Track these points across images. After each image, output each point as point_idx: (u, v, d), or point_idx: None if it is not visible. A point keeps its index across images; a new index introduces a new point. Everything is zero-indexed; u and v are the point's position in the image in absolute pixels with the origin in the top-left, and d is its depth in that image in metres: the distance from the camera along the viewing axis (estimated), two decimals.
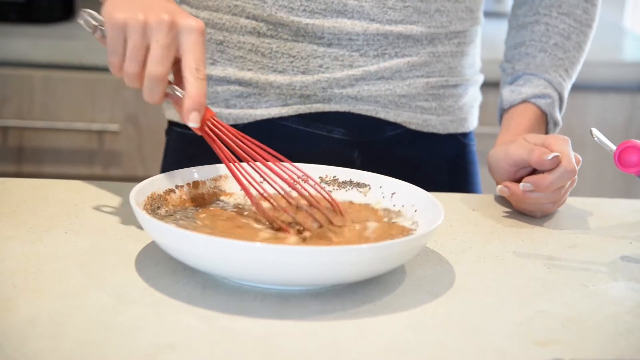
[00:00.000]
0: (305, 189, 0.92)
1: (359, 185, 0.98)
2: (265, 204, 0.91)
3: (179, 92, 0.89)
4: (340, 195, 0.98)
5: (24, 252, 0.87)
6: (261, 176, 0.91)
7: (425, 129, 1.17)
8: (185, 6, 1.16)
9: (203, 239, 0.79)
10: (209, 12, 1.13)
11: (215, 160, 0.97)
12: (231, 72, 1.13)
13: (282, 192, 0.92)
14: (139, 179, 0.93)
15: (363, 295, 0.83)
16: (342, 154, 1.13)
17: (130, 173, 1.96)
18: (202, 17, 1.13)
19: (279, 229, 0.87)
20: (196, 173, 0.96)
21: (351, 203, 0.96)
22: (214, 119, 0.90)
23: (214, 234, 0.85)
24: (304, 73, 1.11)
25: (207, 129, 0.90)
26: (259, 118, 1.13)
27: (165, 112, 1.20)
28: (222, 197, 0.95)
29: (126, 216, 0.96)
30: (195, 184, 0.95)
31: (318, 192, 0.93)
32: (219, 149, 0.90)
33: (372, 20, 1.10)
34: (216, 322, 0.77)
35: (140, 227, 0.92)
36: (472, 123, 1.22)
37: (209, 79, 1.13)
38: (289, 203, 0.92)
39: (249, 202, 0.93)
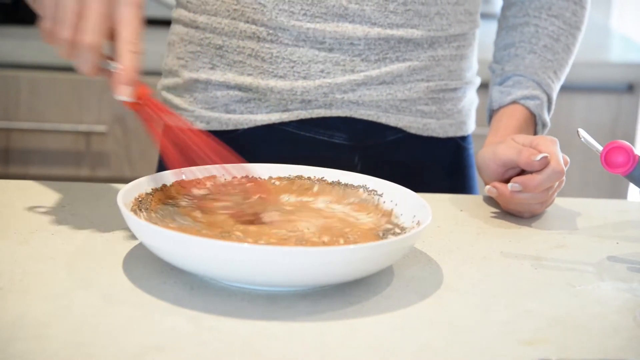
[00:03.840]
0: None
1: (346, 186, 0.98)
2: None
3: (112, 66, 0.88)
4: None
5: (10, 254, 0.87)
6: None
7: (425, 133, 1.16)
8: (182, 10, 1.15)
9: (190, 239, 0.79)
10: (207, 16, 1.12)
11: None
12: (231, 77, 1.12)
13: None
14: (126, 180, 0.93)
15: (351, 295, 0.83)
16: (343, 159, 1.13)
17: (117, 174, 1.95)
18: (200, 21, 1.12)
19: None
20: (184, 174, 0.96)
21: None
22: (149, 98, 0.89)
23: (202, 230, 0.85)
24: (305, 78, 1.11)
25: (141, 106, 0.89)
26: (259, 123, 1.12)
27: None
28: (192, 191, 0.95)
29: (113, 217, 0.96)
30: (184, 185, 0.95)
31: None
32: (152, 130, 0.90)
33: (374, 24, 1.10)
34: (203, 323, 0.77)
35: (127, 228, 0.92)
36: (470, 126, 1.22)
37: (208, 83, 1.13)
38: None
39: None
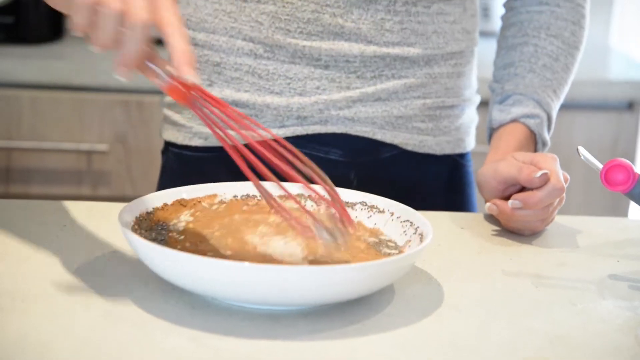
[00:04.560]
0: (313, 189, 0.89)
1: (346, 204, 0.98)
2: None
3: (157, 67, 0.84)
4: None
5: (11, 273, 0.87)
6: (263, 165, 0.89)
7: (422, 150, 1.17)
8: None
9: (192, 259, 0.79)
10: (205, 34, 1.13)
11: (210, 180, 0.97)
12: (228, 93, 1.13)
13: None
14: (127, 199, 0.93)
15: (352, 314, 0.83)
16: (339, 175, 1.13)
17: (118, 193, 1.95)
18: (199, 38, 1.13)
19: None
20: (185, 192, 0.96)
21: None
22: (201, 89, 0.86)
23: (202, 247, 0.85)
24: (300, 95, 1.11)
25: (193, 99, 0.85)
26: (255, 139, 1.12)
27: (163, 132, 1.20)
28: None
29: (114, 236, 0.96)
30: (184, 203, 0.95)
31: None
32: (208, 122, 0.86)
33: (369, 42, 1.10)
34: (204, 342, 0.77)
35: (128, 247, 0.92)
36: (469, 144, 1.22)
37: None
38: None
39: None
